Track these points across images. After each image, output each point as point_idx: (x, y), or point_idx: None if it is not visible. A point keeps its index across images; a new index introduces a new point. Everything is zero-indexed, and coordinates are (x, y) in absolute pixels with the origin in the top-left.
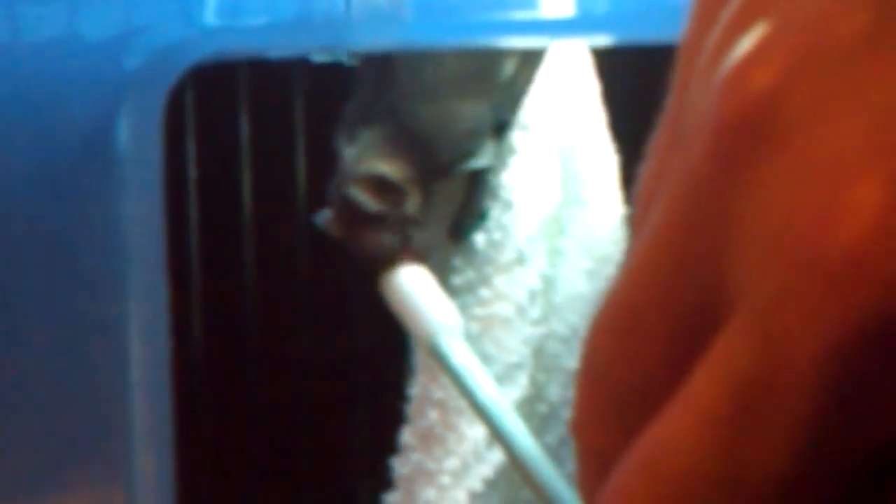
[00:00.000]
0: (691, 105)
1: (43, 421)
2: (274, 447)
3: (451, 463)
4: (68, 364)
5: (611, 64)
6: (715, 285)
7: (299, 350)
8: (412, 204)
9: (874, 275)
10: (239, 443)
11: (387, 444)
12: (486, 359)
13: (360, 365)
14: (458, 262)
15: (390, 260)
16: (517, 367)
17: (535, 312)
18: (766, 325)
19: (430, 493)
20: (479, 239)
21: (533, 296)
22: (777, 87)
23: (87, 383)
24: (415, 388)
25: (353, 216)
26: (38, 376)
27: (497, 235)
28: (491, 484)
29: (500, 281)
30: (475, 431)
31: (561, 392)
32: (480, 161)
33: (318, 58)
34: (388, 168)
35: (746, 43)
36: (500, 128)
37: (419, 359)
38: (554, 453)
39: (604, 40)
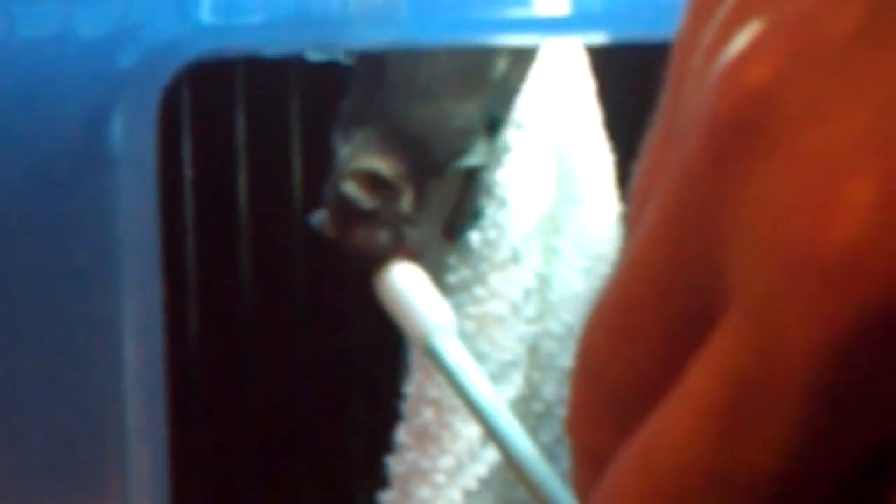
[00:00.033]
0: (686, 102)
1: (36, 419)
2: (269, 446)
3: (446, 461)
4: (62, 362)
5: (606, 62)
6: (710, 283)
7: (295, 349)
8: (406, 201)
9: (868, 272)
10: (234, 441)
11: (383, 443)
12: (480, 357)
13: (356, 363)
14: (452, 260)
15: (384, 258)
16: (512, 365)
17: (529, 311)
18: (760, 322)
19: (424, 491)
20: (474, 237)
21: (528, 294)
22: (771, 84)
23: (81, 382)
24: (410, 387)
25: (347, 213)
26: (32, 374)
27: (492, 234)
28: (486, 483)
29: (494, 279)
30: (470, 430)
31: (556, 391)
32: (474, 159)
33: (315, 56)
34: (382, 165)
35: (741, 40)
36: (494, 126)
37: (414, 357)
38: (549, 452)
39: (598, 38)
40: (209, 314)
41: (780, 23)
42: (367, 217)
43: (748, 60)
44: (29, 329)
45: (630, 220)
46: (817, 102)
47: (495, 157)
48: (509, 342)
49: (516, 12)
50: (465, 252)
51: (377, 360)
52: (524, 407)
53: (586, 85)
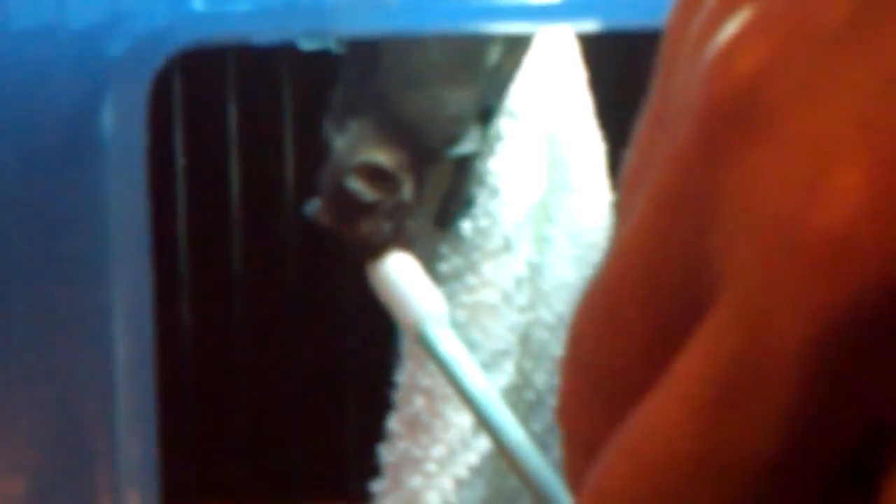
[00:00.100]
0: (676, 90)
1: (25, 409)
2: (261, 435)
3: (438, 450)
4: (51, 351)
5: (597, 50)
6: (700, 270)
7: (287, 338)
8: (406, 191)
9: (857, 258)
10: (225, 430)
11: (374, 432)
12: (472, 346)
13: (348, 352)
14: (444, 249)
15: (383, 248)
16: (504, 354)
17: (521, 300)
18: (750, 308)
19: (416, 480)
20: (466, 226)
21: (519, 283)
22: (761, 72)
23: (71, 371)
24: (402, 376)
25: (349, 206)
26: (20, 364)
27: (484, 222)
28: (477, 471)
29: (486, 268)
30: (462, 419)
31: (547, 379)
32: (467, 147)
33: (306, 45)
34: (383, 157)
35: (731, 28)
36: (487, 114)
37: (406, 346)
38: (540, 441)
39: (591, 26)
40: (200, 303)
41: (771, 10)
42: (370, 209)
43: (738, 48)
44: (18, 318)
45: (620, 209)
46: (807, 90)
47: (487, 145)
48: (501, 331)
49: (508, 0)
50: (457, 241)
51: (369, 349)
52: (516, 396)
53: (578, 73)
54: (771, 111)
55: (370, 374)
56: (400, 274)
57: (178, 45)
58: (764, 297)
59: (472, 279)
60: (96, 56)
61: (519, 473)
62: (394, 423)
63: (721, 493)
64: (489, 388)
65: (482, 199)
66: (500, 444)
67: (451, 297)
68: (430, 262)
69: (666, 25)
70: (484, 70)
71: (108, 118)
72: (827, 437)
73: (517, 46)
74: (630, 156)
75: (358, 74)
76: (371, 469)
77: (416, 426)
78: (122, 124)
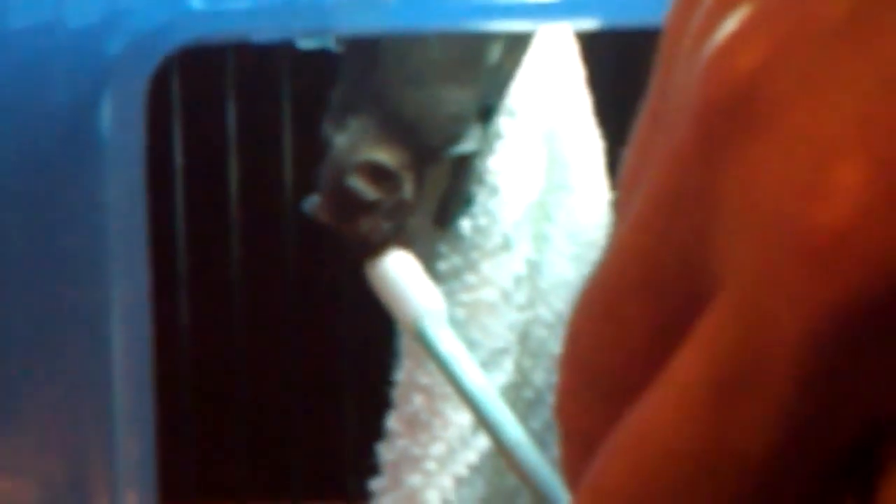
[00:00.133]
0: (675, 88)
1: (23, 406)
2: (259, 433)
3: (437, 449)
4: (49, 349)
5: (596, 48)
6: (698, 266)
7: (286, 336)
8: (407, 190)
9: (856, 256)
10: (223, 428)
11: (373, 431)
12: (471, 344)
13: (347, 350)
14: (443, 248)
15: (383, 246)
16: (503, 352)
17: (520, 298)
18: (749, 305)
19: (415, 478)
20: (465, 225)
21: (518, 281)
22: (761, 67)
23: (69, 369)
24: (401, 374)
25: (350, 204)
26: (19, 364)
27: (483, 221)
28: (476, 469)
29: (485, 266)
30: (461, 417)
31: (546, 377)
32: (468, 146)
33: (305, 44)
34: (385, 156)
35: (730, 24)
36: (487, 113)
37: (405, 344)
38: (539, 439)
39: (590, 24)
40: (199, 302)
41: (770, 7)
42: (370, 207)
43: (737, 44)
44: (17, 317)
45: (618, 207)
46: (806, 87)
47: (487, 144)
48: (500, 329)
49: None
50: (456, 239)
51: (368, 348)
52: (515, 394)
53: (576, 72)
54: (770, 108)
55: (369, 372)
56: (399, 272)
57: (177, 43)
58: (762, 294)
59: (471, 277)
60: (95, 54)
61: (518, 471)
62: (393, 421)
63: (718, 490)
64: (488, 386)
65: (481, 197)
66: (499, 442)
67: (450, 296)
68: (429, 260)
69: (665, 23)
70: (484, 69)
71: (106, 116)
72: (825, 436)
73: (517, 45)
74: (628, 154)
75: (358, 73)
76: (370, 468)
77: (416, 424)
78: (120, 122)
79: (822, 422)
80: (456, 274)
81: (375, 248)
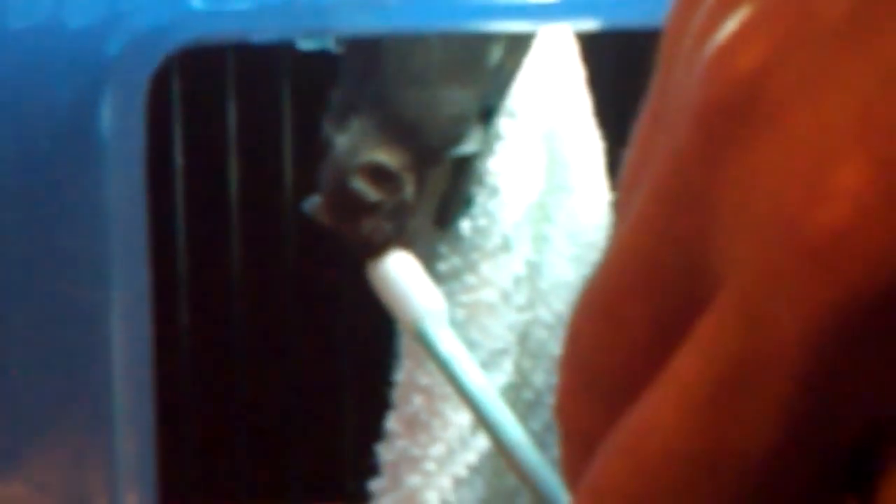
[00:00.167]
0: (675, 88)
1: (24, 405)
2: (259, 433)
3: (437, 449)
4: (49, 351)
5: (595, 49)
6: (698, 266)
7: (285, 336)
8: (408, 191)
9: (857, 256)
10: (223, 429)
11: (373, 431)
12: (471, 345)
13: (347, 350)
14: (443, 248)
15: (384, 247)
16: (502, 353)
17: (520, 299)
18: (750, 305)
19: (415, 479)
20: (465, 225)
21: (518, 282)
22: (761, 68)
23: (69, 368)
24: (400, 375)
25: (351, 205)
26: (19, 364)
27: (483, 222)
28: (476, 470)
29: (485, 267)
30: (460, 418)
31: (546, 378)
32: (469, 147)
33: (305, 45)
34: (387, 157)
35: (730, 24)
36: (488, 114)
37: (405, 345)
38: (539, 439)
39: (590, 25)
40: (199, 302)
41: (770, 7)
42: (372, 209)
43: (737, 44)
44: (17, 316)
45: (619, 207)
46: (807, 86)
47: (487, 145)
48: (500, 330)
49: None
50: (456, 240)
51: (367, 348)
52: (514, 394)
53: (576, 73)
54: (770, 108)
55: (368, 373)
56: (400, 273)
57: (177, 43)
58: (762, 293)
59: (471, 278)
60: (95, 55)
61: (517, 472)
62: (392, 422)
63: (718, 490)
64: (488, 386)
65: (481, 198)
66: (499, 442)
67: (450, 297)
68: (429, 261)
69: (665, 24)
70: (485, 70)
71: (106, 117)
72: (825, 436)
73: (518, 46)
74: (629, 154)
75: (359, 73)
76: (370, 468)
77: (415, 425)
78: (120, 123)
79: (822, 421)
80: (456, 275)
81: (377, 248)
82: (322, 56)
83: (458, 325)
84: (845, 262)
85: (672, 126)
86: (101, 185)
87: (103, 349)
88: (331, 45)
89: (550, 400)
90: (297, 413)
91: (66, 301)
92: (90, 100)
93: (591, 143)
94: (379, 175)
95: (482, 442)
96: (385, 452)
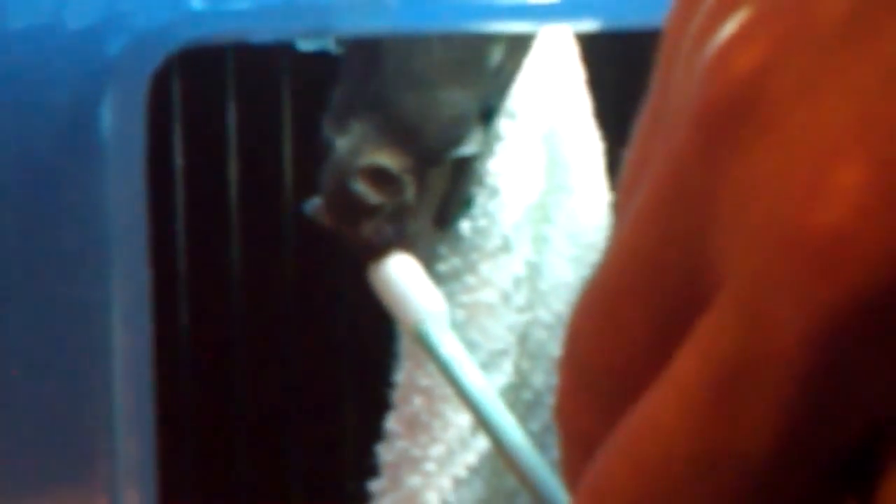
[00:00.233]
0: (675, 89)
1: (24, 406)
2: (259, 433)
3: (437, 450)
4: (50, 349)
5: (595, 50)
6: (698, 267)
7: (285, 337)
8: (409, 193)
9: (856, 256)
10: (223, 429)
11: (373, 432)
12: (471, 346)
13: (347, 351)
14: (443, 249)
15: (385, 249)
16: (502, 353)
17: (520, 299)
18: (750, 306)
19: (415, 479)
20: (465, 226)
21: (518, 283)
22: (761, 69)
23: (69, 369)
24: (400, 375)
25: (352, 207)
26: (19, 363)
27: (482, 222)
28: (476, 471)
29: (485, 268)
30: (460, 418)
31: (545, 379)
32: (469, 148)
33: (305, 46)
34: (388, 160)
35: (730, 26)
36: (488, 115)
37: (405, 346)
38: (538, 440)
39: (590, 25)
40: (199, 302)
41: (770, 8)
42: (373, 211)
43: (737, 45)
44: (17, 316)
45: (618, 208)
46: (807, 87)
47: (487, 146)
48: (499, 331)
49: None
50: (456, 241)
51: (367, 349)
52: (514, 395)
53: (576, 73)
54: (770, 109)
55: (368, 373)
56: (400, 274)
57: (177, 43)
58: (762, 294)
59: (470, 279)
60: (95, 55)
61: (517, 473)
62: (393, 422)
63: (718, 490)
64: (488, 387)
65: (481, 199)
66: (499, 443)
67: (449, 297)
68: (429, 262)
69: (665, 25)
70: (485, 71)
71: (106, 117)
72: (825, 436)
73: (518, 47)
74: (628, 155)
75: (359, 74)
76: (370, 469)
77: (415, 426)
78: (120, 123)
79: (822, 422)
80: (455, 275)
81: (377, 251)
82: (322, 57)
83: (458, 326)
84: (845, 263)
85: (672, 127)
86: (101, 185)
87: (103, 349)
88: (331, 45)
89: (550, 401)
90: (297, 413)
91: (66, 301)
92: (90, 100)
93: (590, 144)
94: (380, 177)
95: (482, 443)
96: (385, 453)
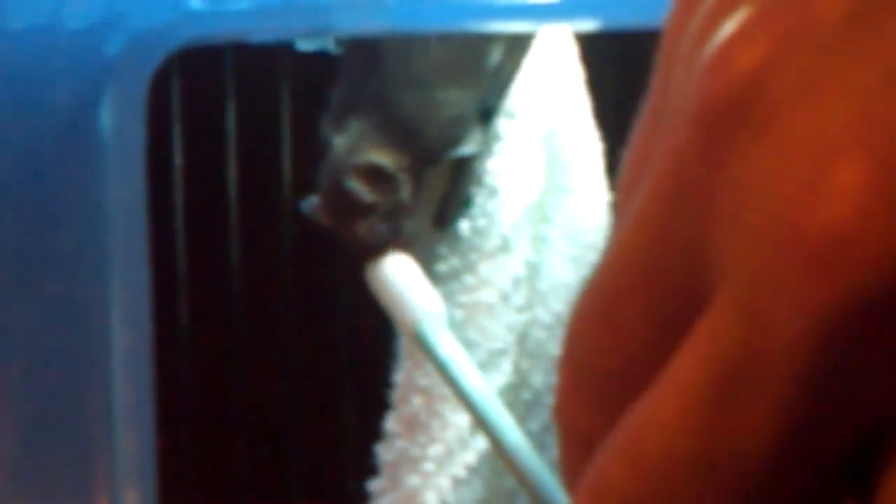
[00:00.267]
0: (675, 89)
1: (24, 405)
2: (259, 433)
3: (436, 450)
4: (50, 348)
5: (594, 50)
6: (698, 267)
7: (284, 336)
8: (405, 192)
9: (856, 256)
10: (223, 429)
11: (372, 431)
12: (470, 345)
13: (346, 351)
14: (442, 249)
15: (380, 249)
16: (501, 353)
17: (519, 299)
18: (749, 305)
19: (414, 479)
20: (464, 226)
21: (517, 283)
22: (761, 68)
23: (69, 367)
24: (399, 375)
25: (347, 205)
26: (19, 362)
27: (482, 222)
28: (474, 470)
29: (484, 268)
30: (459, 418)
31: (545, 379)
32: (468, 148)
33: (304, 46)
34: (383, 158)
35: (730, 25)
36: (487, 115)
37: (404, 346)
38: (537, 440)
39: (589, 25)
40: (198, 302)
41: (770, 8)
42: (368, 209)
43: (737, 44)
44: (17, 315)
45: (617, 208)
46: (806, 86)
47: (486, 146)
48: (499, 330)
49: None
50: (455, 241)
51: (366, 349)
52: (513, 395)
53: (575, 73)
54: (770, 108)
55: (368, 373)
56: (397, 274)
57: (177, 43)
58: (762, 293)
59: (469, 279)
60: (94, 55)
61: (516, 473)
62: (392, 422)
63: (718, 490)
64: (486, 388)
65: (480, 199)
66: (498, 443)
67: (449, 297)
68: (428, 261)
69: (665, 24)
70: (485, 71)
71: (106, 117)
72: (825, 436)
73: (517, 47)
74: (628, 155)
75: (358, 74)
76: (369, 468)
77: (415, 425)
78: (120, 123)
79: (822, 422)
80: (455, 275)
81: (373, 250)
82: (321, 56)
83: (457, 326)
84: (845, 263)
85: (671, 126)
86: (101, 185)
87: (103, 349)
88: (330, 45)
89: (549, 400)
90: (297, 413)
91: (66, 301)
92: (90, 100)
93: (590, 144)
94: (375, 176)
95: (481, 442)
96: (384, 453)
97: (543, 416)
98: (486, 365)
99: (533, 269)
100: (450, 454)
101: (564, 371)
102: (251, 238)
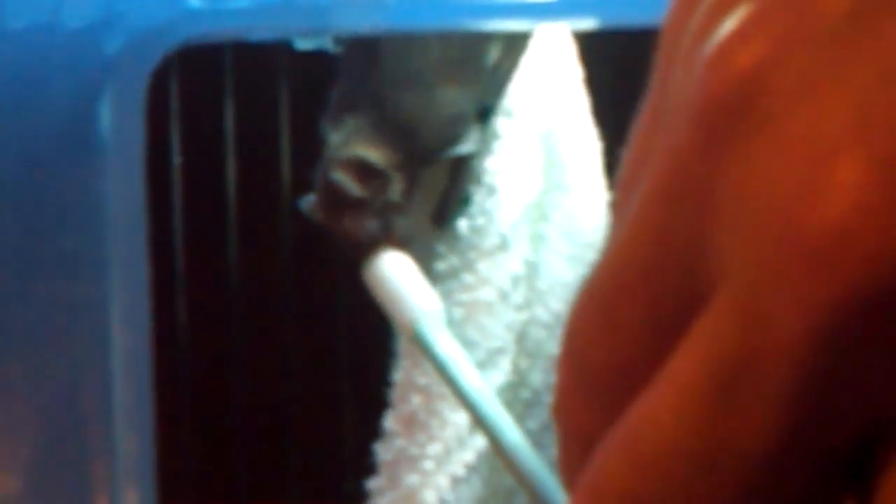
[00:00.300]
0: (674, 87)
1: (23, 404)
2: (258, 433)
3: (435, 448)
4: (48, 350)
5: (593, 48)
6: (697, 265)
7: (283, 336)
8: (395, 190)
9: (855, 254)
10: (223, 429)
11: (371, 430)
12: (468, 344)
13: (344, 350)
14: (441, 247)
15: (373, 246)
16: (500, 352)
17: (518, 298)
18: (748, 303)
19: (413, 478)
20: (463, 224)
21: (516, 281)
22: (761, 65)
23: (68, 367)
24: (398, 374)
25: (336, 201)
26: (18, 362)
27: (480, 221)
28: (473, 469)
29: (483, 266)
30: (458, 417)
31: (543, 378)
32: (466, 147)
33: (303, 45)
34: (372, 153)
35: (730, 23)
36: (485, 113)
37: (403, 344)
38: (536, 439)
39: (588, 24)
40: (197, 301)
41: (770, 6)
42: (356, 205)
43: (737, 42)
44: (16, 315)
45: (617, 207)
46: (807, 83)
47: (485, 144)
48: (497, 329)
49: None
50: (454, 239)
51: (365, 347)
52: (512, 394)
53: (574, 72)
54: (770, 106)
55: (367, 372)
56: (395, 273)
57: (176, 42)
58: (762, 291)
59: (468, 277)
60: (93, 54)
61: (515, 471)
62: (390, 421)
63: (717, 488)
64: (485, 386)
65: (479, 197)
66: (496, 442)
67: (447, 296)
68: (426, 260)
69: (664, 22)
70: (484, 70)
71: (105, 116)
72: (824, 435)
73: (515, 46)
74: (627, 154)
75: (357, 73)
76: (368, 467)
77: (413, 424)
78: (119, 122)
79: (821, 421)
80: (453, 274)
81: (364, 247)
82: (320, 55)
83: (456, 324)
84: (845, 261)
85: (671, 125)
86: (100, 184)
87: (103, 349)
88: (328, 44)
89: (548, 399)
90: (296, 413)
91: (66, 300)
92: (90, 99)
93: (588, 143)
94: (364, 171)
95: (480, 441)
96: (383, 452)
97: (542, 414)
98: (484, 364)
99: (532, 268)
100: (448, 453)
101: (563, 370)
102: (250, 237)
